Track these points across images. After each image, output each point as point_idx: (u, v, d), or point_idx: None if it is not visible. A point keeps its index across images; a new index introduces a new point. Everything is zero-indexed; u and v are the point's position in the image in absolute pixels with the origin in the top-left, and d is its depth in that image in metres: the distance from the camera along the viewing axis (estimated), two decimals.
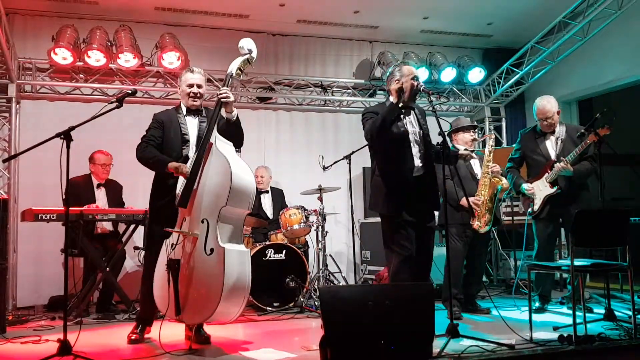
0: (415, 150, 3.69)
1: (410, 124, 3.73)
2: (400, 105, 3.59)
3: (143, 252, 5.03)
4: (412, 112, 3.77)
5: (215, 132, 3.52)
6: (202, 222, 3.36)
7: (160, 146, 3.68)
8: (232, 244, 3.38)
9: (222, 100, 3.55)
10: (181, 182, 3.50)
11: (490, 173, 4.52)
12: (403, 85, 3.60)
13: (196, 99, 3.72)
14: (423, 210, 3.72)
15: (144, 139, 3.71)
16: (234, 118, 3.63)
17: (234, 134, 3.65)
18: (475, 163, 4.73)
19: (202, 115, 3.78)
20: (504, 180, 4.57)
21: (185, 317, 3.37)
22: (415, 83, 3.60)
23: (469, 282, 4.70)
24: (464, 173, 4.61)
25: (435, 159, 3.78)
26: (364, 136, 3.77)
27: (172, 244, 3.44)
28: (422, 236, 3.72)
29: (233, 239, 3.42)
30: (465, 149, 4.14)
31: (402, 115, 3.68)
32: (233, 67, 3.71)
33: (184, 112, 3.76)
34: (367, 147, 3.93)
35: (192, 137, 3.70)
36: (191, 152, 3.66)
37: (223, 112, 3.61)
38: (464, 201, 4.37)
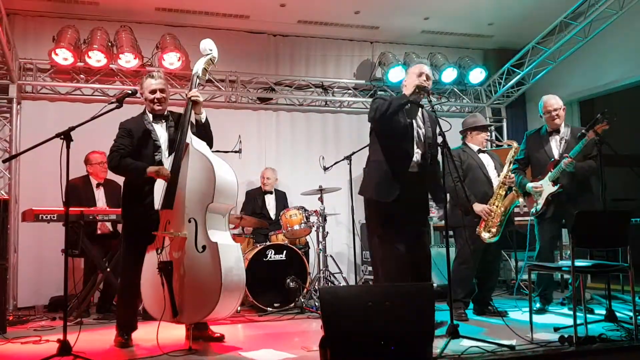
0: (415, 147, 3.75)
1: (416, 122, 3.80)
2: (410, 98, 3.67)
3: None
4: (421, 111, 3.83)
5: (189, 133, 3.56)
6: (190, 221, 3.38)
7: (130, 154, 3.60)
8: (223, 238, 3.43)
9: (192, 100, 3.59)
10: (159, 186, 3.50)
11: (506, 184, 4.43)
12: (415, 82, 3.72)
13: (160, 104, 3.69)
14: (413, 205, 3.75)
15: (113, 148, 3.62)
16: (203, 120, 3.67)
17: (203, 136, 3.67)
18: (489, 164, 4.65)
19: (169, 120, 3.76)
20: (521, 199, 4.52)
21: (184, 318, 3.36)
22: (425, 85, 3.71)
23: (485, 286, 4.61)
24: (478, 175, 4.54)
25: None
26: (367, 118, 3.83)
27: (158, 249, 3.41)
28: (413, 232, 3.77)
29: (223, 235, 3.48)
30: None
31: (409, 111, 3.74)
32: (198, 67, 3.79)
33: (151, 119, 3.72)
34: (367, 147, 3.95)
35: (163, 143, 3.68)
36: (163, 157, 3.64)
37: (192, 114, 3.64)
38: (476, 207, 4.33)
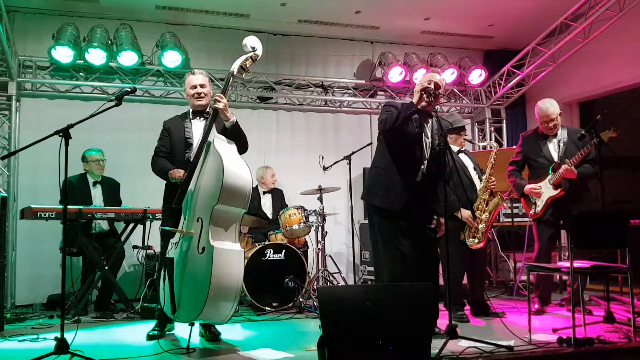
0: (424, 156, 3.71)
1: (425, 132, 3.74)
2: (418, 106, 3.59)
3: (142, 252, 5.04)
4: (430, 120, 3.76)
5: (214, 131, 3.53)
6: (198, 220, 3.37)
7: (168, 154, 3.77)
8: (223, 242, 3.35)
9: (213, 106, 3.56)
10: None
11: (488, 188, 4.43)
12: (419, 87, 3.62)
13: (201, 99, 3.77)
14: (418, 215, 3.71)
15: (155, 150, 3.82)
16: (231, 124, 3.61)
17: (234, 139, 3.63)
18: (469, 165, 4.62)
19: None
20: (506, 203, 4.52)
21: (179, 315, 3.35)
22: (430, 87, 3.59)
23: (476, 288, 4.62)
24: (461, 178, 4.39)
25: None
26: (377, 125, 3.76)
27: (175, 243, 3.49)
28: (421, 242, 3.72)
29: (226, 238, 3.39)
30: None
31: (419, 119, 3.67)
32: (235, 65, 3.71)
33: (191, 116, 3.81)
34: (367, 147, 3.94)
35: (197, 140, 3.69)
36: (194, 154, 3.65)
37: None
38: (463, 213, 4.30)
